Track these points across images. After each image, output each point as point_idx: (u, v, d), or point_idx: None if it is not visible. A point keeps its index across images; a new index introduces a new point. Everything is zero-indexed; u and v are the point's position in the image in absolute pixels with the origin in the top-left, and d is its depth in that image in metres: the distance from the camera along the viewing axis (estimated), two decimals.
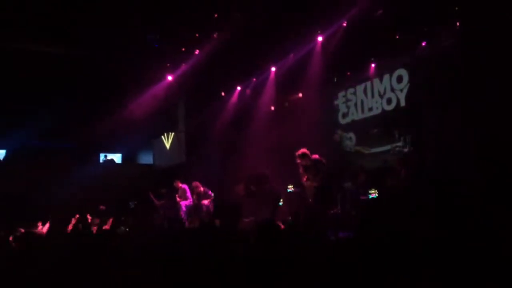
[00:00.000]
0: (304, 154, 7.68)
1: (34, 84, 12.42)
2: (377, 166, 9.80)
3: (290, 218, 7.52)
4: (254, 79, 12.70)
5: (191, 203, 10.97)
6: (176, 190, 11.26)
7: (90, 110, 13.74)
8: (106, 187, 12.64)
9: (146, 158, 17.08)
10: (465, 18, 7.93)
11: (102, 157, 16.15)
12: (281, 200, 10.64)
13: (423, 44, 9.04)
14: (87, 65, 12.07)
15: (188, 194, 11.08)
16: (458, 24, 8.12)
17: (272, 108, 12.89)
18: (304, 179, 7.76)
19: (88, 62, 12.03)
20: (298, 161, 7.72)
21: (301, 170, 7.79)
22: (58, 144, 14.94)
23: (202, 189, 11.03)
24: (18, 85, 12.23)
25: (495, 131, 7.08)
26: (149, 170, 15.82)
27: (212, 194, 10.99)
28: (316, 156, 7.71)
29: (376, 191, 8.87)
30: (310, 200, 7.73)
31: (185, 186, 11.16)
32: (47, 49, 11.47)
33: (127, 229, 7.85)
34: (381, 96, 10.39)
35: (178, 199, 11.06)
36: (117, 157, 16.49)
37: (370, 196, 9.01)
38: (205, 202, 10.73)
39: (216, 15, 10.15)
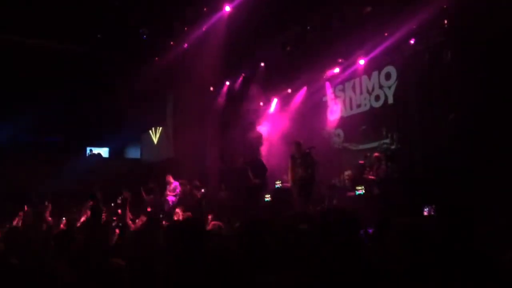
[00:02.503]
0: (297, 144, 7.71)
1: (21, 78, 12.25)
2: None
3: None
4: (243, 74, 12.65)
5: (177, 200, 10.94)
6: (165, 184, 11.22)
7: (77, 104, 13.59)
8: (93, 182, 12.52)
9: (134, 153, 16.97)
10: (453, 16, 7.98)
11: (88, 151, 15.99)
12: (268, 196, 10.65)
13: (412, 41, 9.08)
14: (75, 59, 11.93)
15: (178, 191, 11.03)
16: (446, 22, 8.16)
17: (261, 103, 12.86)
18: (290, 171, 7.76)
19: (76, 56, 11.89)
20: (292, 150, 7.77)
21: (290, 161, 7.78)
22: (46, 139, 14.77)
23: (189, 187, 11.01)
24: (5, 79, 12.04)
25: (483, 128, 7.14)
26: (137, 164, 15.72)
27: (198, 195, 10.94)
28: (307, 149, 7.72)
29: (363, 187, 8.91)
30: (295, 195, 7.75)
31: (177, 183, 11.11)
32: (35, 43, 11.31)
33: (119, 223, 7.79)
34: (369, 93, 10.43)
35: (168, 192, 11.02)
36: (104, 151, 16.34)
37: (357, 193, 9.06)
38: (172, 198, 10.74)
39: (205, 9, 10.09)
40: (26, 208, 9.50)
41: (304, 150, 7.71)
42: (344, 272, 2.42)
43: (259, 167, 9.19)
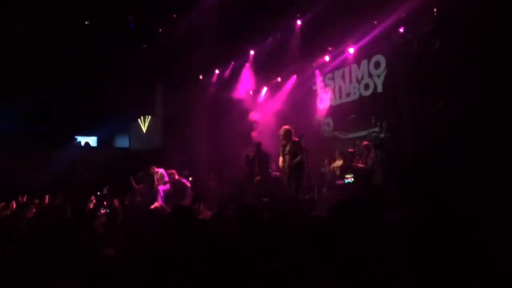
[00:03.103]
0: (285, 131, 7.53)
1: (9, 67, 12.02)
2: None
3: (266, 199, 7.56)
4: (233, 63, 12.59)
5: (168, 187, 10.88)
6: (152, 175, 11.15)
7: (66, 93, 13.40)
8: (80, 171, 12.44)
9: (123, 142, 16.84)
10: (442, 4, 8.00)
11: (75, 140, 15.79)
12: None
13: (401, 30, 9.10)
14: (62, 48, 11.74)
15: (166, 178, 10.97)
16: (435, 10, 8.18)
17: (251, 92, 12.83)
18: (280, 160, 7.70)
19: (64, 45, 11.70)
20: (281, 136, 7.63)
21: (281, 149, 7.70)
22: (33, 128, 14.56)
23: (177, 177, 10.96)
24: None
25: (473, 116, 7.20)
26: (125, 153, 15.62)
27: (188, 185, 10.93)
28: (296, 138, 7.63)
29: (352, 175, 8.99)
30: (284, 184, 7.73)
31: (162, 170, 11.05)
32: (21, 32, 11.09)
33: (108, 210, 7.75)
34: (358, 82, 10.46)
35: (157, 182, 10.95)
36: (92, 140, 16.18)
37: (346, 181, 9.14)
38: (162, 187, 10.71)
39: None
40: (20, 198, 9.38)
41: (292, 138, 7.62)
42: (342, 266, 2.44)
43: (264, 162, 8.90)
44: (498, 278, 2.21)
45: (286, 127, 7.66)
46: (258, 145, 9.15)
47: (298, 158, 7.40)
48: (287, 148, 7.49)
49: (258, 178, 8.61)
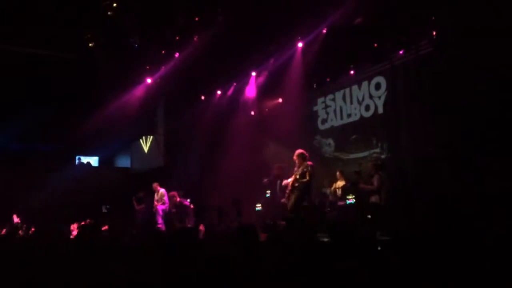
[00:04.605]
0: (298, 154, 7.62)
1: (11, 86, 12.14)
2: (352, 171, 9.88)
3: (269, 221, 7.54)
4: (234, 84, 12.70)
5: (168, 208, 10.87)
6: (153, 193, 11.15)
7: (67, 112, 13.49)
8: (82, 190, 12.43)
9: (124, 162, 16.85)
10: (441, 28, 8.12)
11: (76, 160, 15.83)
12: (260, 205, 10.66)
13: (401, 52, 9.21)
14: (65, 67, 11.88)
15: (166, 198, 10.96)
16: (434, 33, 8.31)
17: (252, 113, 12.89)
18: (289, 179, 7.72)
19: (66, 64, 11.84)
20: (294, 158, 7.70)
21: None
22: (35, 147, 14.62)
23: (178, 199, 10.96)
24: None
25: (473, 137, 7.23)
26: (126, 173, 15.62)
27: (191, 206, 10.94)
28: (310, 162, 7.69)
29: (354, 196, 8.95)
30: (286, 201, 7.76)
31: (163, 190, 11.04)
32: (25, 51, 11.25)
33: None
34: (359, 103, 10.52)
35: (155, 202, 10.93)
36: (93, 160, 16.20)
37: (348, 202, 9.09)
38: (161, 207, 10.72)
39: (197, 19, 10.13)
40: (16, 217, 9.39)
41: (305, 160, 7.66)
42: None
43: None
44: (497, 278, 2.20)
45: (300, 150, 7.74)
46: (279, 170, 9.34)
47: (304, 180, 7.39)
48: (298, 169, 7.53)
49: (283, 200, 8.64)
